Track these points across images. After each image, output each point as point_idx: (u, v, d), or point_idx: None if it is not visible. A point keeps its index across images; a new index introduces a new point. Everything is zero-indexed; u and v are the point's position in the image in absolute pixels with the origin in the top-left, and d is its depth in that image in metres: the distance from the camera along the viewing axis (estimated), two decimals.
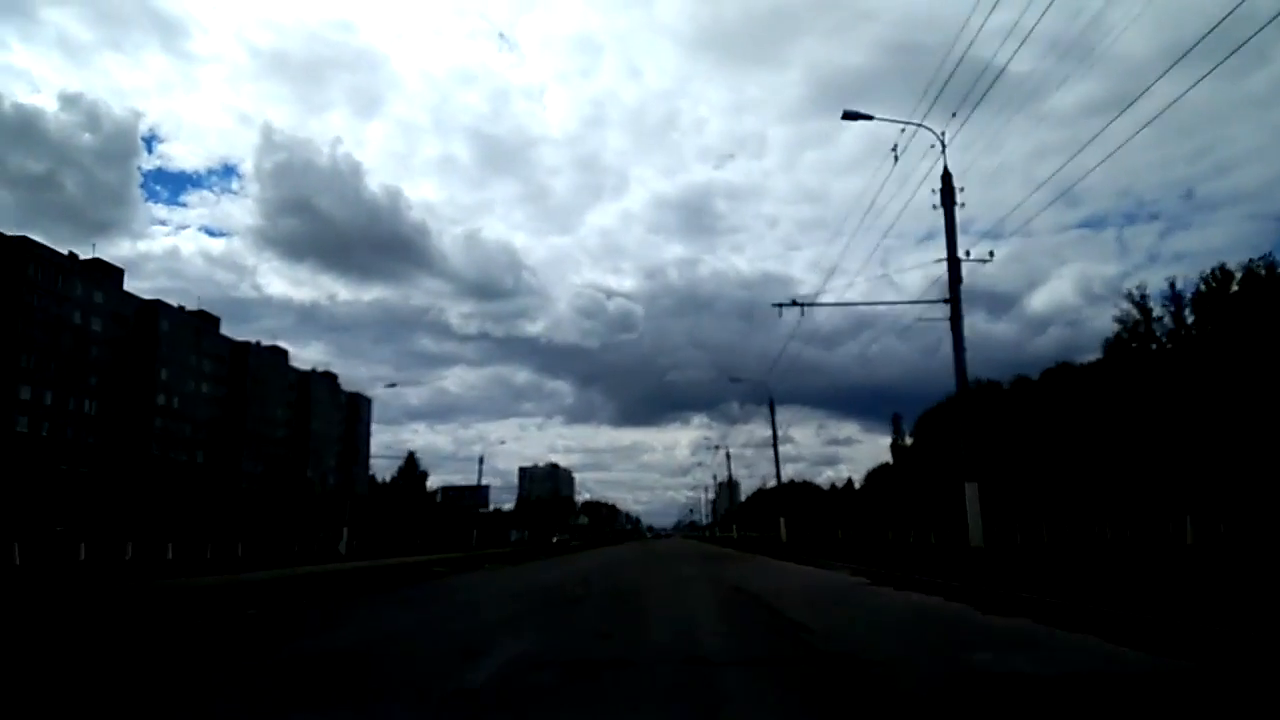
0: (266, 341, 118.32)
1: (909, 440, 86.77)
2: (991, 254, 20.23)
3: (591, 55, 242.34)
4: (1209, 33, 11.67)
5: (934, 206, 20.12)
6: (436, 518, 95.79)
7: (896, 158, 20.41)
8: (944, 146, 19.55)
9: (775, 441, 52.05)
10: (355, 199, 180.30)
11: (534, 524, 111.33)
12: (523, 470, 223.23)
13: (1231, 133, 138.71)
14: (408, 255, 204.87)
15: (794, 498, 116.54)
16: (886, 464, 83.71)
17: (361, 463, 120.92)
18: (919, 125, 19.71)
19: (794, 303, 24.64)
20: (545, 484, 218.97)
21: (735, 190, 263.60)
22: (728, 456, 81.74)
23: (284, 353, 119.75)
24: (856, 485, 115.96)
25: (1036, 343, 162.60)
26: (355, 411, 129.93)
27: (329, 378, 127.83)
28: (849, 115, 19.71)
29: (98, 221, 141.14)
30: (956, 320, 20.24)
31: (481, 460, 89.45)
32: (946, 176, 19.97)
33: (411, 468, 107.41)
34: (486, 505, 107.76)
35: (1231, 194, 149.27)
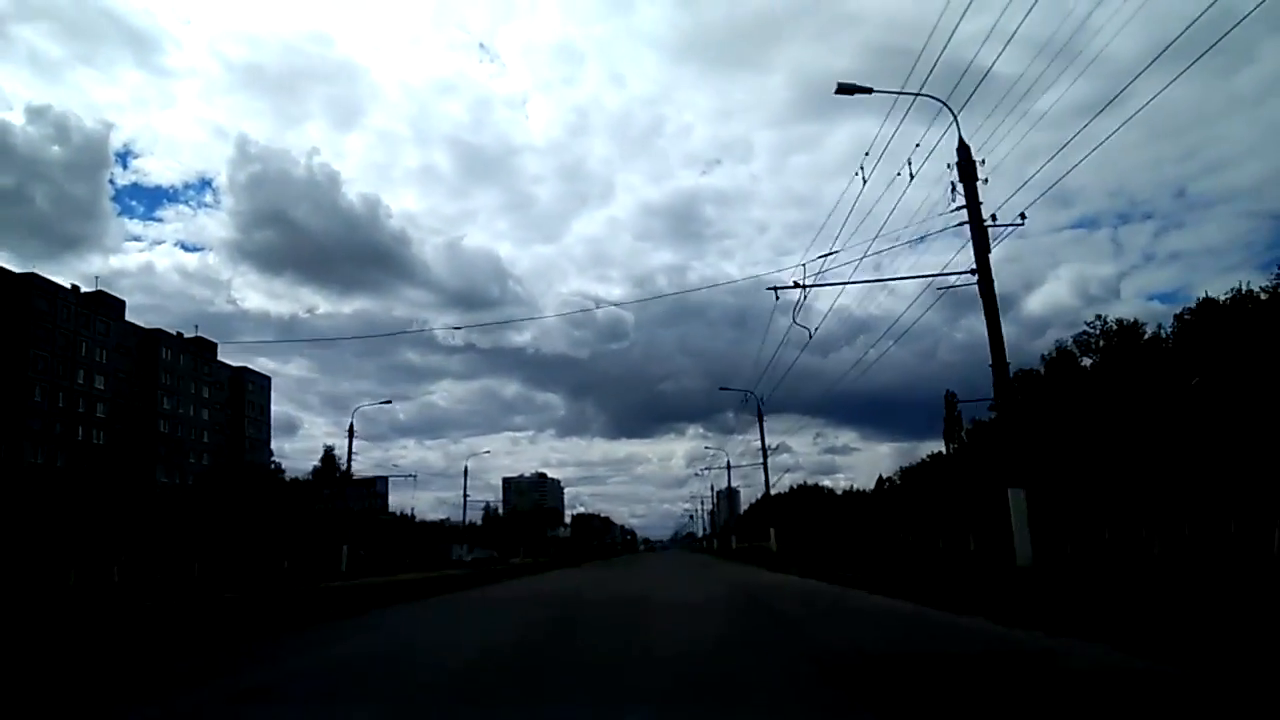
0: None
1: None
2: (1023, 216, 17.95)
3: (573, 64, 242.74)
4: (1187, 28, 11.56)
5: (951, 184, 18.21)
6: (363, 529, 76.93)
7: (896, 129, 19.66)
8: (955, 116, 17.87)
9: (764, 443, 52.40)
10: (332, 209, 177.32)
11: (504, 539, 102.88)
12: (507, 481, 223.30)
13: (1222, 131, 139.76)
14: (389, 266, 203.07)
15: (800, 504, 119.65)
16: (926, 460, 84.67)
17: (256, 450, 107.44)
18: (920, 95, 17.92)
19: (795, 284, 21.68)
20: (531, 495, 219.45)
21: (723, 196, 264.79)
22: (728, 466, 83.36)
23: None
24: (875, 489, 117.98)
25: (1035, 345, 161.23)
26: (239, 391, 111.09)
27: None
28: (843, 89, 18.09)
29: (68, 236, 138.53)
30: (988, 289, 17.89)
31: (466, 472, 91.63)
32: (963, 149, 18.13)
33: (329, 467, 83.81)
34: (383, 505, 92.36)
35: (1224, 192, 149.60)
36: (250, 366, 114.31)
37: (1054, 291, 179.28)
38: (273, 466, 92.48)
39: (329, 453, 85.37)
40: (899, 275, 28.15)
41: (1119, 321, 46.17)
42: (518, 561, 62.15)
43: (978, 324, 18.03)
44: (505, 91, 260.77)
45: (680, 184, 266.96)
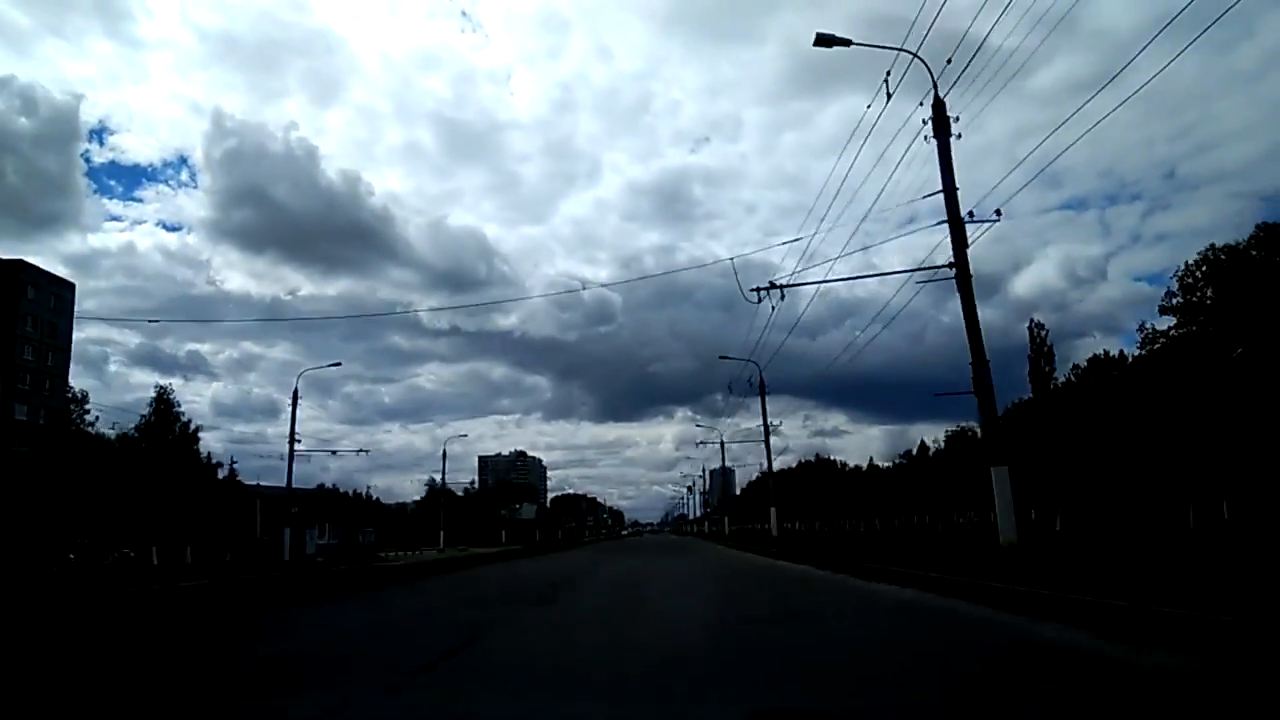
0: None
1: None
2: (999, 213, 17.80)
3: (559, 34, 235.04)
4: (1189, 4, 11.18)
5: (926, 139, 17.87)
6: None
7: (890, 94, 17.76)
8: (934, 78, 17.36)
9: (764, 413, 44.72)
10: (312, 185, 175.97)
11: (454, 520, 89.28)
12: (484, 460, 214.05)
13: (1214, 111, 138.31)
14: (373, 245, 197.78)
15: (803, 483, 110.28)
16: (963, 429, 75.36)
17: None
18: (901, 50, 17.44)
19: (771, 285, 21.51)
20: (509, 475, 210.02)
21: (712, 175, 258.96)
22: (721, 446, 74.92)
23: None
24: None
25: (1022, 329, 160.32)
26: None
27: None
28: (822, 40, 17.66)
29: (42, 215, 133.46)
30: (965, 283, 17.65)
31: (445, 456, 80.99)
32: (939, 105, 17.74)
33: (166, 416, 59.55)
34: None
35: (1214, 173, 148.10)
36: (31, 261, 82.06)
37: (1041, 272, 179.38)
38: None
39: (163, 397, 60.77)
40: (879, 272, 40.30)
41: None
42: (398, 560, 37.24)
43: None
44: (489, 65, 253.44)
45: (669, 163, 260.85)
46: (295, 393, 43.77)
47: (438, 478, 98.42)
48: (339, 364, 52.69)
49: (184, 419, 60.60)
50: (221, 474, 74.72)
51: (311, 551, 37.90)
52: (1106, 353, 52.16)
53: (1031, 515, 43.84)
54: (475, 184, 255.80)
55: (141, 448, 54.87)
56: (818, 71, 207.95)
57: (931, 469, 76.87)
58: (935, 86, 17.62)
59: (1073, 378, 52.02)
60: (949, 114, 17.74)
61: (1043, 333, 53.85)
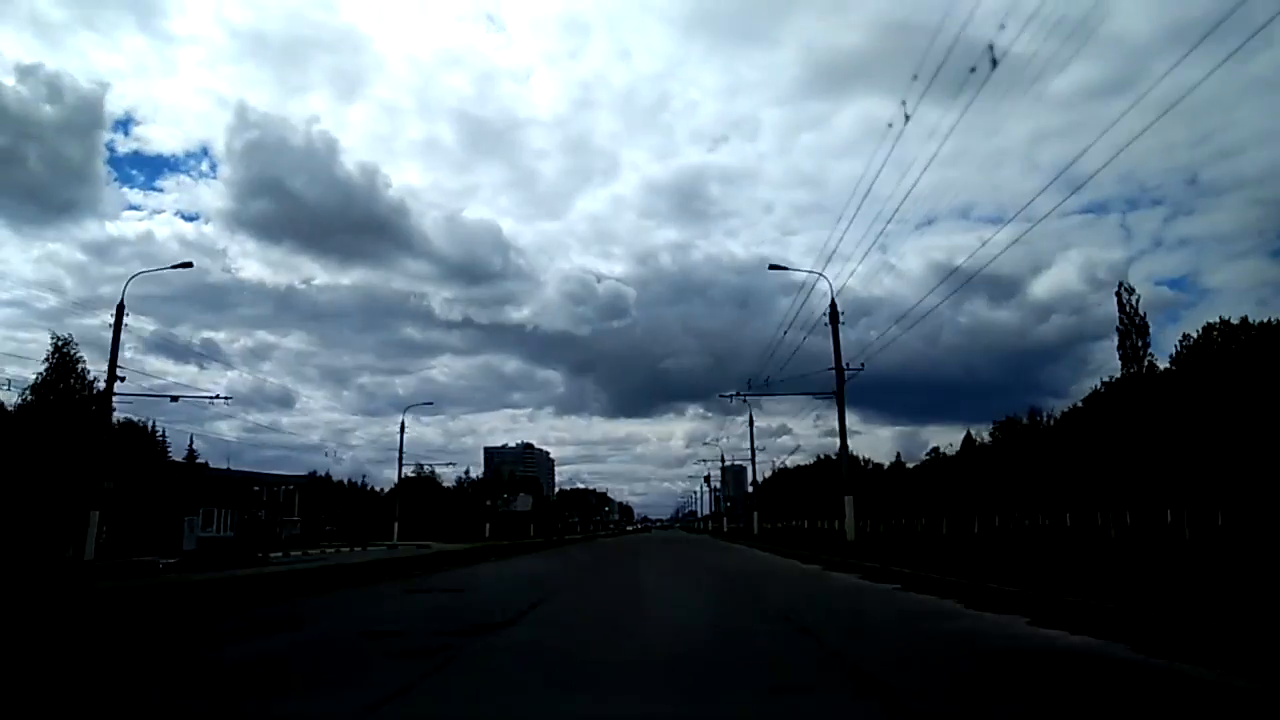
0: None
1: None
2: (863, 365, 31.22)
3: (580, 36, 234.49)
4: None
5: (825, 322, 30.58)
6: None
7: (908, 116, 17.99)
8: (831, 285, 29.34)
9: (753, 445, 35.57)
10: (330, 177, 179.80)
11: (440, 512, 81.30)
12: (490, 452, 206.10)
13: (1236, 117, 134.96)
14: (388, 235, 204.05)
15: (812, 484, 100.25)
16: (1018, 419, 65.64)
17: None
18: (812, 272, 30.16)
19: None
20: (517, 468, 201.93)
21: (729, 174, 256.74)
22: (752, 433, 66.19)
23: None
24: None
25: (1039, 330, 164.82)
26: None
27: None
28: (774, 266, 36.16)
29: (62, 202, 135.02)
30: (841, 415, 30.45)
31: (403, 429, 71.87)
32: (834, 308, 30.87)
33: (64, 367, 43.85)
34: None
35: (1236, 179, 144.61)
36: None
37: (1062, 275, 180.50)
38: None
39: (60, 349, 42.91)
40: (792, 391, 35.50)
41: None
42: (279, 564, 27.90)
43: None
44: (510, 64, 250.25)
45: (686, 161, 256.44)
46: (120, 306, 31.58)
47: (438, 469, 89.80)
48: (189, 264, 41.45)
49: (89, 376, 48.30)
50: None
51: (190, 548, 28.46)
52: (1224, 321, 41.63)
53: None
54: (493, 179, 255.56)
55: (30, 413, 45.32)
56: (834, 74, 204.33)
57: (978, 464, 66.51)
58: (833, 295, 30.07)
59: (1182, 348, 41.71)
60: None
61: (1134, 299, 43.52)
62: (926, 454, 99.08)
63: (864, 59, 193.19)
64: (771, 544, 42.03)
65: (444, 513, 79.37)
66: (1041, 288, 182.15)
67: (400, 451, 61.01)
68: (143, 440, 62.27)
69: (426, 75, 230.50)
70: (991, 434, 69.54)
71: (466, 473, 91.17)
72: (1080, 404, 51.82)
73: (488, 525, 69.17)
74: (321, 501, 74.20)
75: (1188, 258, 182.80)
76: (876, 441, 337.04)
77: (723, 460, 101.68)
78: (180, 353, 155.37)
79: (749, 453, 72.75)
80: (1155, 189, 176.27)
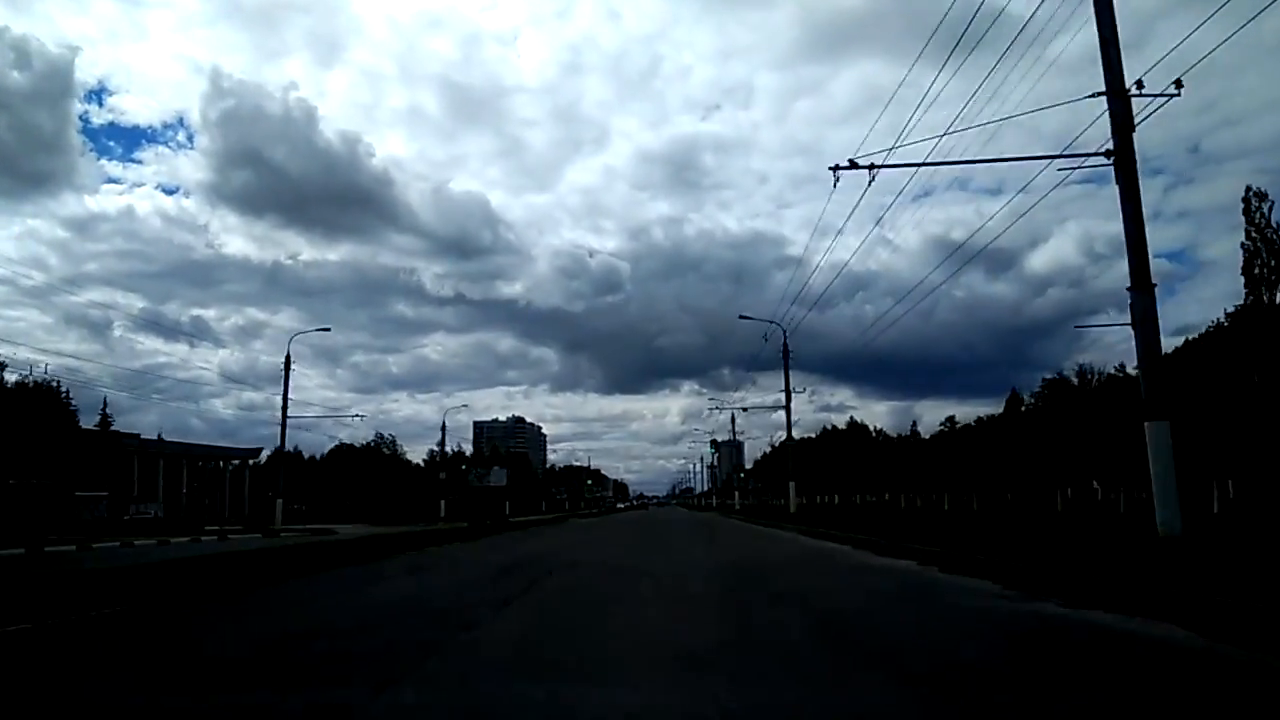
0: None
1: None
2: (1179, 85, 13.38)
3: None
4: None
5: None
6: None
7: None
8: (785, 336, 32.80)
9: (788, 382, 41.22)
10: (310, 147, 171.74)
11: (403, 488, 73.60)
12: (479, 426, 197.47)
13: (1241, 84, 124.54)
14: (373, 208, 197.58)
15: (832, 452, 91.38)
16: (1052, 385, 57.02)
17: None
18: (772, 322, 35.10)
19: (852, 164, 16.64)
20: (508, 443, 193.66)
21: (723, 143, 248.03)
22: (734, 418, 58.32)
23: None
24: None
25: (1036, 304, 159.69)
26: None
27: None
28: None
29: (36, 173, 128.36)
30: (1129, 173, 13.89)
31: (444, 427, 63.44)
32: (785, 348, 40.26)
33: None
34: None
35: (1239, 148, 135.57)
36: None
37: (1059, 248, 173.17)
38: None
39: None
40: (1012, 156, 28.86)
41: None
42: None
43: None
44: (495, 26, 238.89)
45: (679, 130, 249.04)
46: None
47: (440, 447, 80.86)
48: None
49: None
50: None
51: None
52: None
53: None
54: (480, 149, 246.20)
55: None
56: (832, 35, 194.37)
57: (1023, 430, 57.23)
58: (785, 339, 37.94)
59: None
60: None
61: (1265, 208, 33.59)
62: (942, 424, 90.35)
63: (863, 18, 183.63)
64: (751, 517, 34.32)
65: (402, 490, 70.29)
66: (1039, 261, 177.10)
67: (285, 398, 44.11)
68: (49, 405, 53.30)
69: (408, 38, 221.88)
70: (1036, 396, 60.23)
71: (441, 444, 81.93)
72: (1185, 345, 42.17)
73: (443, 503, 59.22)
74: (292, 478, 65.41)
75: (1187, 229, 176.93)
76: (872, 416, 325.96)
77: (734, 427, 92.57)
78: (170, 331, 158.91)
79: (749, 423, 64.20)
80: (1156, 158, 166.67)
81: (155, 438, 72.29)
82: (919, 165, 17.21)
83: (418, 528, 37.38)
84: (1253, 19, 11.92)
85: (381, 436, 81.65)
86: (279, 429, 43.25)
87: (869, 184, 16.93)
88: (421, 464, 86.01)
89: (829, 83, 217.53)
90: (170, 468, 71.34)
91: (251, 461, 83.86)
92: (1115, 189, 14.02)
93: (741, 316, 46.86)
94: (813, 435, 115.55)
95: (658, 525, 37.96)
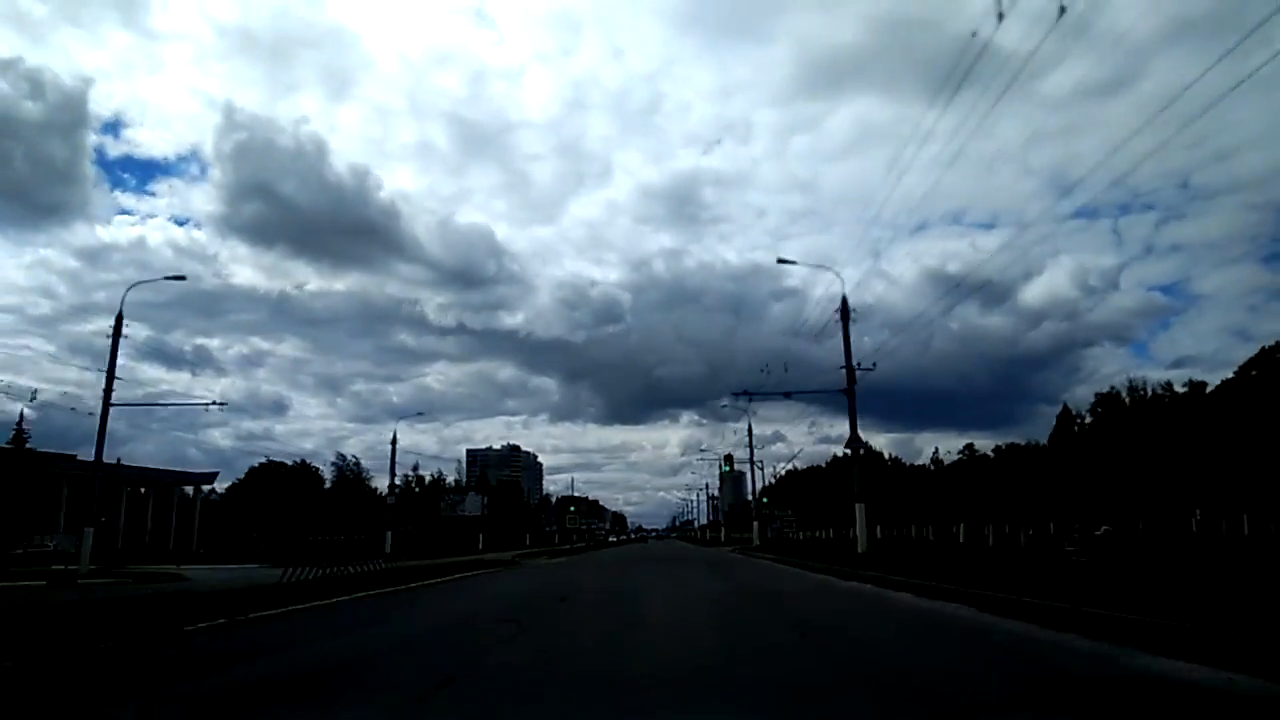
0: None
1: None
2: (874, 365, 29.65)
3: (571, 33, 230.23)
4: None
5: (834, 319, 29.35)
6: None
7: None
8: (843, 282, 28.50)
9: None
10: (320, 180, 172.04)
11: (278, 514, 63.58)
12: (472, 454, 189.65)
13: (1231, 118, 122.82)
14: (380, 240, 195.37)
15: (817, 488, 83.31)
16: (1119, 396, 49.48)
17: None
18: (822, 266, 32.37)
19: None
20: (502, 472, 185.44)
21: (722, 178, 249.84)
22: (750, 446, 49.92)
23: None
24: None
25: (1030, 337, 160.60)
26: None
27: None
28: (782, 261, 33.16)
29: (49, 203, 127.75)
30: (852, 409, 28.83)
31: (395, 440, 54.97)
32: (844, 305, 29.12)
33: None
34: None
35: (1230, 182, 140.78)
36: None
37: (1052, 281, 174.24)
38: None
39: None
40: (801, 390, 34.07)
41: None
42: None
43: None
44: (502, 63, 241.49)
45: (680, 165, 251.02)
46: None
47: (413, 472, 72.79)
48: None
49: None
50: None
51: None
52: None
53: None
54: (486, 183, 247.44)
55: None
56: (829, 72, 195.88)
57: (1078, 452, 49.69)
58: (844, 291, 29.08)
59: None
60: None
61: None
62: (960, 453, 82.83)
63: (859, 56, 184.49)
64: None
65: (353, 519, 61.70)
66: (1033, 294, 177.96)
67: (110, 378, 29.50)
68: None
69: (417, 74, 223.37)
70: (1091, 410, 52.60)
71: (415, 469, 74.31)
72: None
73: (389, 535, 50.45)
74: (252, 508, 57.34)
75: (1179, 264, 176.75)
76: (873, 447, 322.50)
77: (732, 462, 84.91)
78: (173, 359, 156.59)
79: (747, 459, 56.43)
80: (1148, 194, 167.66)
81: (115, 461, 64.70)
82: None
83: (310, 573, 25.27)
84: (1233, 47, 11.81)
85: (344, 458, 73.65)
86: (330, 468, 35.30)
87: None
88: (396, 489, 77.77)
89: (825, 119, 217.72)
90: (111, 494, 63.63)
91: (207, 487, 76.32)
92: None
93: (724, 405, 56.05)
94: (823, 465, 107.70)
95: (640, 582, 21.77)
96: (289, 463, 69.37)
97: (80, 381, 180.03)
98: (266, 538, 57.23)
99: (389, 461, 54.18)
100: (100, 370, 29.99)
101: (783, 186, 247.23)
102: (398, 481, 78.23)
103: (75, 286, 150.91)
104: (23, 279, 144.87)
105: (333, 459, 73.88)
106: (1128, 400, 48.60)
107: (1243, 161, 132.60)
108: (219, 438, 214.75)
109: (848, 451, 31.86)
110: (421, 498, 78.17)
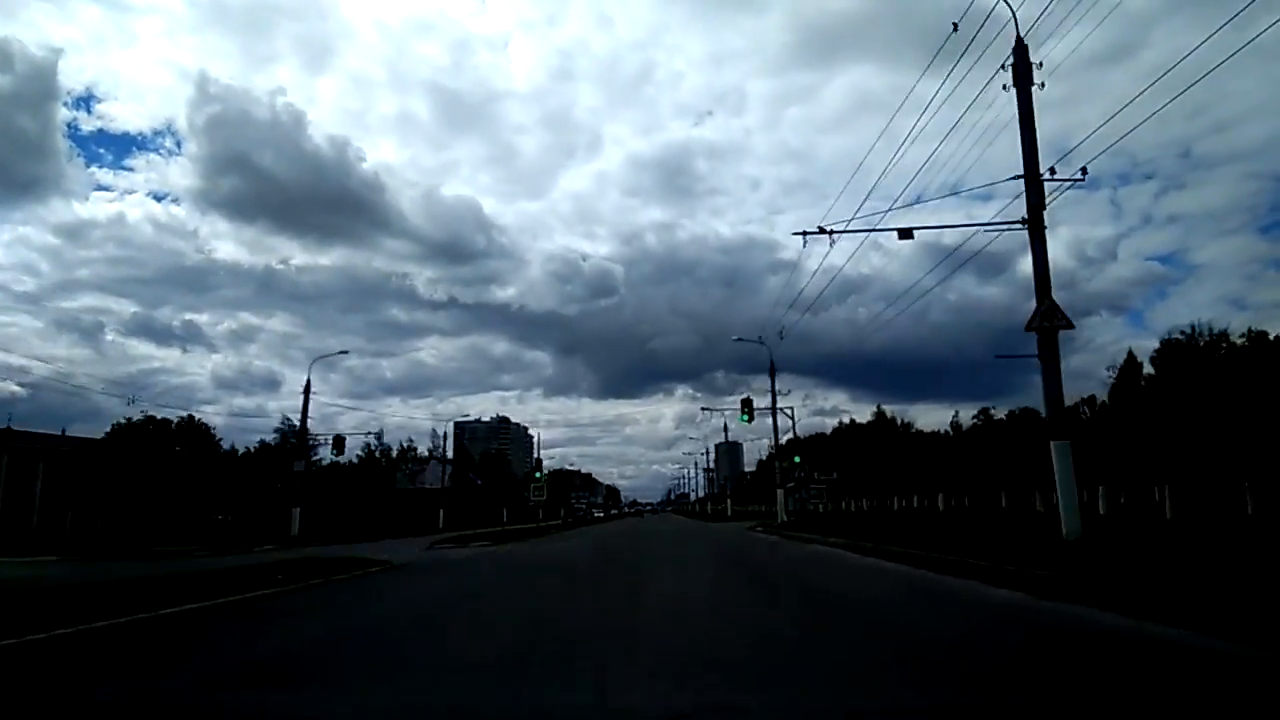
0: None
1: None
2: (1084, 171, 17.27)
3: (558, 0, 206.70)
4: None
5: (1005, 87, 17.05)
6: None
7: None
8: (1015, 12, 16.09)
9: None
10: (299, 152, 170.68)
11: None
12: (460, 427, 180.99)
13: (1233, 88, 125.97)
14: (365, 213, 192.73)
15: (857, 449, 76.16)
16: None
17: None
18: (760, 341, 25.11)
19: (821, 230, 19.57)
20: (491, 444, 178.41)
21: (715, 149, 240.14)
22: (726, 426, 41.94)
23: None
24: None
25: (1027, 306, 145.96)
26: None
27: None
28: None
29: (23, 179, 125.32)
30: (1039, 239, 17.39)
31: (308, 387, 47.21)
32: (1020, 49, 16.80)
33: None
34: None
35: (1230, 152, 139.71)
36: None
37: (1050, 252, 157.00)
38: None
39: None
40: (944, 224, 24.86)
41: None
42: None
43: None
44: (486, 31, 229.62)
45: (671, 136, 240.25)
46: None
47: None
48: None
49: None
50: None
51: None
52: None
53: None
54: (472, 155, 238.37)
55: None
56: (823, 41, 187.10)
57: (1140, 407, 42.38)
58: (1017, 25, 16.65)
59: None
60: (1032, 59, 16.64)
61: None
62: (974, 417, 75.56)
63: (854, 23, 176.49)
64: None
65: (334, 494, 53.14)
66: (1030, 264, 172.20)
67: (304, 417, 36.62)
68: None
69: (398, 44, 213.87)
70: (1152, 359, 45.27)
71: (379, 437, 65.80)
72: None
73: (296, 513, 38.80)
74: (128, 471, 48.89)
75: (1177, 233, 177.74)
76: (864, 418, 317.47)
77: (750, 407, 77.37)
78: (162, 336, 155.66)
79: (744, 430, 47.89)
80: (1147, 163, 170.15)
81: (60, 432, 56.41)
82: (870, 231, 19.88)
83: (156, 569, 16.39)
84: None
85: (288, 420, 63.28)
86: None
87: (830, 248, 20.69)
88: (354, 461, 69.59)
89: (821, 89, 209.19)
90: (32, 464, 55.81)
91: None
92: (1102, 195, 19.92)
93: (736, 339, 49.29)
94: (826, 433, 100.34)
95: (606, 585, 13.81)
96: (173, 419, 57.28)
97: (69, 358, 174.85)
98: (94, 517, 46.47)
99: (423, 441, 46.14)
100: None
101: (777, 157, 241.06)
102: (359, 451, 70.45)
103: (57, 263, 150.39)
104: (2, 256, 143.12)
105: (277, 424, 63.86)
106: (1203, 343, 41.12)
107: (1243, 132, 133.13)
108: (211, 414, 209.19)
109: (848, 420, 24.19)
110: (389, 471, 70.44)
